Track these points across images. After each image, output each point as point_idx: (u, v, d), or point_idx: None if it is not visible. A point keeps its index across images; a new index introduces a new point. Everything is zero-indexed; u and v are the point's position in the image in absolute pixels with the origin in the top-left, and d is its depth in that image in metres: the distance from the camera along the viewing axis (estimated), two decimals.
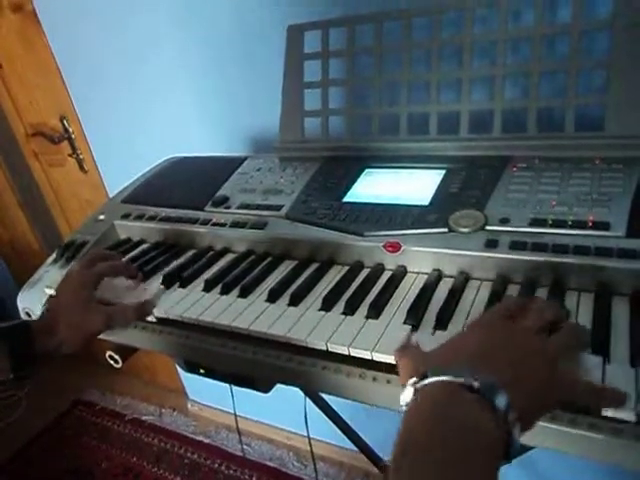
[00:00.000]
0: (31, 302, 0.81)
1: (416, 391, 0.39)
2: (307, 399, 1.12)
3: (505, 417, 0.36)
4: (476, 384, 0.37)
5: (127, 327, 0.70)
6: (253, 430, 1.85)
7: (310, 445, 1.29)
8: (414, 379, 0.40)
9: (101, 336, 0.72)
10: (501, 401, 0.36)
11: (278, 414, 1.77)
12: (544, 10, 0.73)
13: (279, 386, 0.66)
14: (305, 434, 1.22)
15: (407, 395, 0.40)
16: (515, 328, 0.45)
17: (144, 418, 2.07)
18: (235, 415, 1.32)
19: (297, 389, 0.85)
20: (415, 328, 0.56)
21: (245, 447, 1.82)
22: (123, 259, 0.82)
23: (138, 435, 2.00)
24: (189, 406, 2.05)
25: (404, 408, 0.39)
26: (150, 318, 0.70)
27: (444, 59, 0.80)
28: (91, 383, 2.27)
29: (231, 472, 1.77)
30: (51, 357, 0.66)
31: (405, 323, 0.57)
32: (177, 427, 2.01)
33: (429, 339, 0.54)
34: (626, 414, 0.42)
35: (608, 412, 0.43)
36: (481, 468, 0.35)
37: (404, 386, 0.41)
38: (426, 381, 0.39)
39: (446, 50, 0.80)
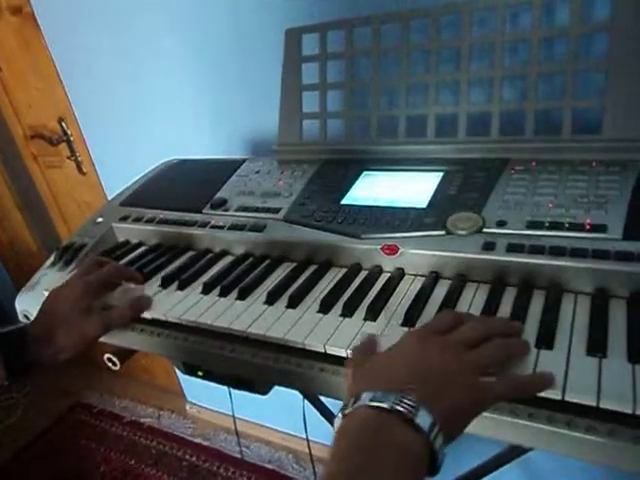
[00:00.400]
0: (29, 305, 0.81)
1: (344, 416, 0.41)
2: (306, 401, 1.12)
3: (429, 435, 0.38)
4: (399, 407, 0.38)
5: (127, 326, 0.70)
6: (251, 432, 1.85)
7: (309, 447, 1.29)
8: (343, 407, 0.41)
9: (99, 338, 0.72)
10: (425, 420, 0.38)
11: (277, 416, 1.77)
12: (542, 13, 0.73)
13: (278, 388, 0.66)
14: (304, 436, 1.22)
15: (337, 421, 0.41)
16: (442, 343, 0.46)
17: (142, 420, 2.07)
18: (234, 417, 1.32)
19: (296, 391, 0.85)
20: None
21: (244, 449, 1.82)
22: (121, 262, 0.82)
23: (136, 437, 2.00)
24: (187, 408, 2.05)
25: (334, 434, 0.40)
26: (148, 315, 0.70)
27: (442, 61, 0.80)
28: (89, 385, 2.27)
29: (229, 474, 1.77)
30: (47, 364, 0.66)
31: (402, 325, 0.57)
32: (175, 429, 2.00)
33: None
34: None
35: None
36: None
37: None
38: (351, 408, 0.40)
39: (444, 52, 0.80)
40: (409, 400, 0.39)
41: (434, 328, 0.49)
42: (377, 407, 0.39)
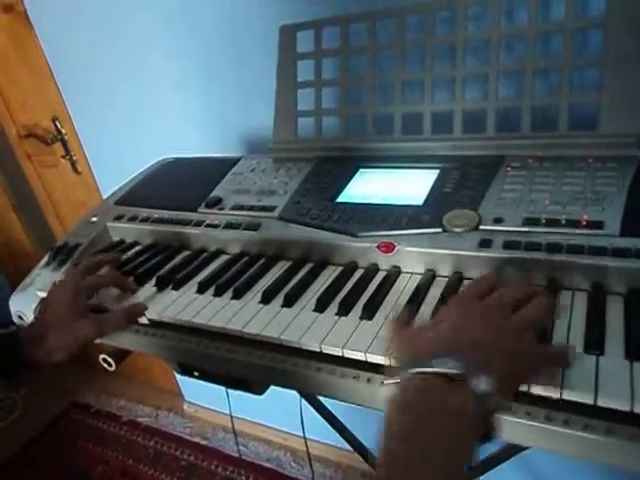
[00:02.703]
0: (23, 305, 0.80)
1: (395, 385, 0.42)
2: (303, 400, 1.11)
3: (482, 399, 0.39)
4: (451, 372, 0.39)
5: (120, 329, 0.70)
6: (249, 431, 1.85)
7: (306, 446, 1.28)
8: (393, 377, 0.43)
9: None
10: (477, 384, 0.39)
11: (274, 415, 1.76)
12: (538, 8, 0.72)
13: (275, 387, 0.66)
14: (302, 435, 1.21)
15: (387, 390, 0.42)
16: (484, 308, 0.47)
17: (140, 420, 2.06)
18: (231, 416, 1.31)
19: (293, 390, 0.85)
20: None
21: (242, 448, 1.82)
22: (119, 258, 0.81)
23: (134, 437, 1.99)
24: (185, 407, 2.04)
25: (384, 403, 0.42)
26: (143, 320, 0.70)
27: (437, 58, 0.79)
28: (87, 385, 2.26)
29: (228, 473, 1.76)
30: (41, 366, 0.66)
31: None
32: (173, 429, 2.00)
33: None
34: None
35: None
36: (462, 446, 0.38)
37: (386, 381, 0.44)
38: (402, 376, 0.42)
39: (439, 49, 0.80)
40: (460, 366, 0.39)
41: (473, 293, 0.50)
42: (430, 373, 0.40)
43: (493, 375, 0.39)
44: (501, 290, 0.49)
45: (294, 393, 0.97)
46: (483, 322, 0.45)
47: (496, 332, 0.44)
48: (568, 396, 0.44)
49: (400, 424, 0.39)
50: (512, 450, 0.94)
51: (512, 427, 0.45)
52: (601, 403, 0.43)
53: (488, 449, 0.98)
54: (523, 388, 0.45)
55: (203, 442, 1.91)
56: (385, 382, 0.43)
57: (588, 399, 0.43)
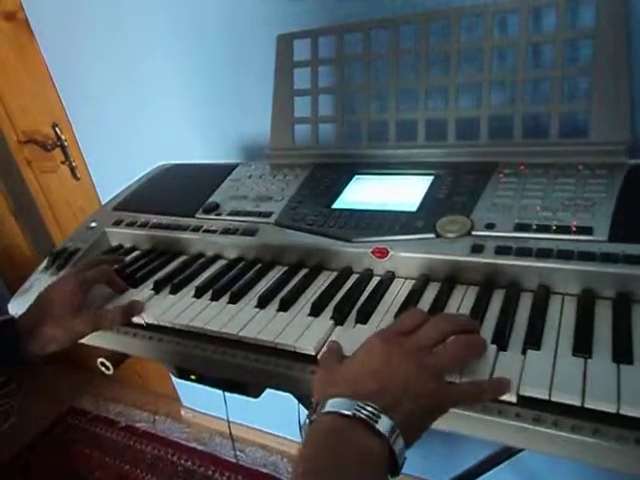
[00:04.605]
0: (22, 310, 0.80)
1: (311, 421, 0.44)
2: (300, 405, 1.12)
3: (389, 439, 0.41)
4: (361, 415, 0.41)
5: (116, 327, 0.71)
6: (247, 436, 1.85)
7: None
8: (310, 413, 0.45)
9: (92, 343, 0.73)
10: (385, 426, 0.41)
11: (271, 420, 1.77)
12: (529, 19, 0.74)
13: (272, 392, 0.67)
14: (298, 440, 1.22)
15: (305, 426, 0.45)
16: (404, 348, 0.48)
17: (137, 425, 2.06)
18: (228, 421, 1.32)
19: (290, 395, 0.86)
20: None
21: (239, 453, 1.82)
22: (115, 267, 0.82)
23: (132, 442, 1.99)
24: (182, 413, 2.04)
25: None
26: (139, 320, 0.71)
27: (431, 67, 0.81)
28: (84, 390, 2.26)
29: (224, 479, 1.76)
30: (37, 356, 0.67)
31: None
32: (171, 434, 2.00)
33: None
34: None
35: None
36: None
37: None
38: (317, 415, 0.44)
39: (433, 58, 0.81)
40: (371, 407, 0.42)
41: (397, 329, 0.51)
42: (341, 414, 0.42)
43: (397, 418, 0.42)
44: (424, 327, 0.50)
45: (291, 398, 0.97)
46: (399, 365, 0.46)
47: (409, 375, 0.45)
48: (556, 397, 0.45)
49: (309, 461, 0.41)
50: (509, 452, 0.95)
51: (502, 429, 0.46)
52: (588, 405, 0.43)
53: (483, 452, 0.99)
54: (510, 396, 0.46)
55: (200, 447, 1.91)
56: (307, 419, 0.45)
57: (576, 401, 0.44)
